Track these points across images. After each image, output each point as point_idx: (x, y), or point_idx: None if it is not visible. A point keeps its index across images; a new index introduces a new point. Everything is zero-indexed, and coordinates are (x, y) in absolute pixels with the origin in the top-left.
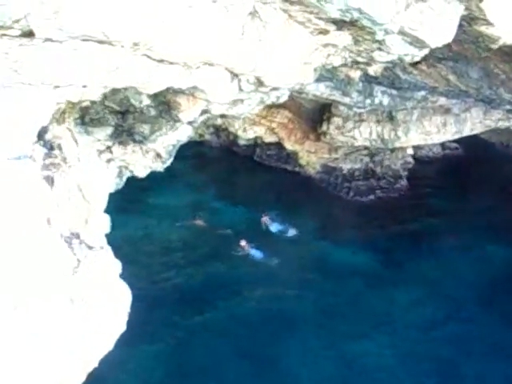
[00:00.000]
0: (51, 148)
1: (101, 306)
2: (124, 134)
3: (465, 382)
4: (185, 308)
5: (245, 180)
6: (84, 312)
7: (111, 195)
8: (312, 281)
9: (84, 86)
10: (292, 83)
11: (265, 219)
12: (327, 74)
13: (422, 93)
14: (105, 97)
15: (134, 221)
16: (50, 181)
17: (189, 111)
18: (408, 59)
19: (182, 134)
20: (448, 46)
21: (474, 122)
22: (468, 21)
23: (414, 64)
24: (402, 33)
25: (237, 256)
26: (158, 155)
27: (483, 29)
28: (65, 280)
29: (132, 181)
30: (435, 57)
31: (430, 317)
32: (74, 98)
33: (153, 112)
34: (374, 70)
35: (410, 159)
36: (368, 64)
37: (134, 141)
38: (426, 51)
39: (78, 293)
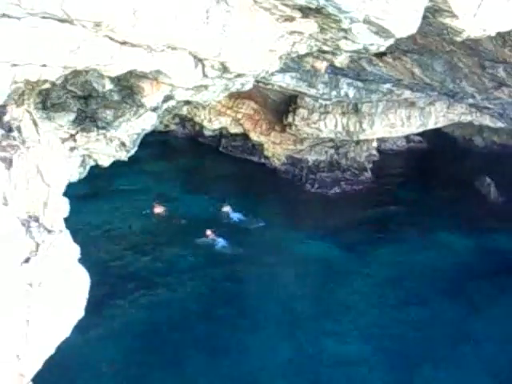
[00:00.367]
0: (10, 130)
1: (59, 290)
2: (87, 119)
3: (424, 366)
4: (144, 292)
5: (210, 171)
6: (41, 297)
7: (72, 182)
8: (275, 268)
9: (43, 65)
10: (257, 70)
11: (225, 208)
12: (293, 65)
13: (388, 85)
14: (66, 80)
15: (93, 207)
16: (8, 162)
17: (152, 96)
18: (373, 49)
19: (146, 121)
20: (413, 38)
21: (438, 116)
22: (433, 12)
23: (380, 56)
24: (367, 21)
25: (199, 244)
26: (123, 144)
27: (448, 21)
28: (21, 263)
29: (94, 167)
30: (400, 49)
31: (392, 302)
32: (33, 77)
33: (116, 97)
34: (340, 61)
35: (375, 152)
36: (334, 54)
37: (98, 127)
38: (391, 41)
39: (36, 277)
